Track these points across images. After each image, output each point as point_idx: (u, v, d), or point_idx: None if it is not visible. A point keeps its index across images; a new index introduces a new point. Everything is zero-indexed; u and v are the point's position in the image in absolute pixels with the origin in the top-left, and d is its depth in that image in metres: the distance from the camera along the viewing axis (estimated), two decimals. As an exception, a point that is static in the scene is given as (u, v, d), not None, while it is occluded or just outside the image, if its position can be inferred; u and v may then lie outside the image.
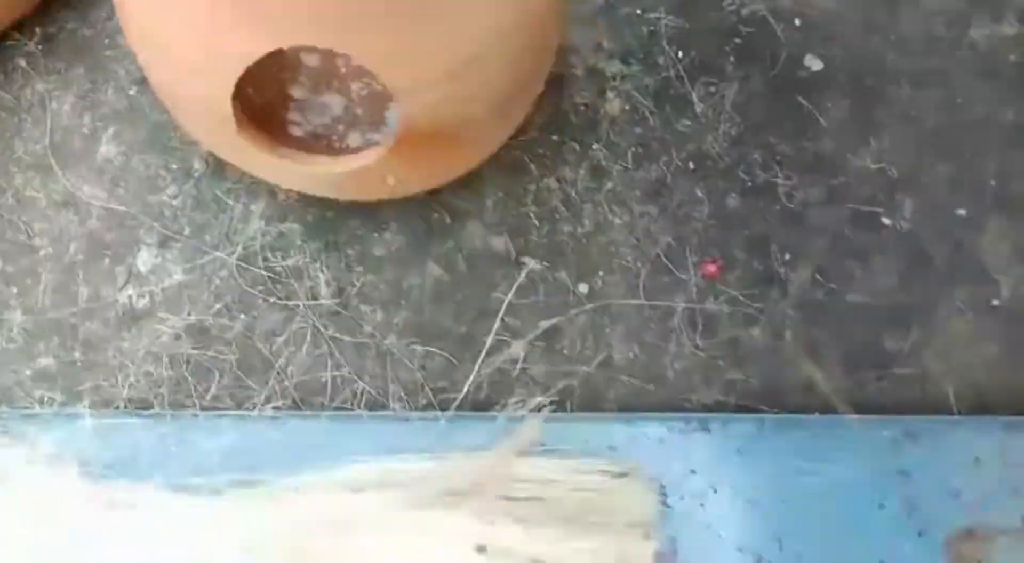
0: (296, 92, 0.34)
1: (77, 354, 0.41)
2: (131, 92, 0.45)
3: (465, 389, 0.40)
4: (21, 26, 0.45)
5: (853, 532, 0.40)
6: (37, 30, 0.46)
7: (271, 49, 0.29)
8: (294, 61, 0.33)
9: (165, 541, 0.35)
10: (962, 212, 0.46)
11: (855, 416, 0.41)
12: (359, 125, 0.35)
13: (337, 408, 0.40)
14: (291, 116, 0.35)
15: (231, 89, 0.31)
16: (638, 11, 0.49)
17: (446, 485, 0.35)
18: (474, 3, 0.30)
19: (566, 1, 0.43)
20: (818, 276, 0.45)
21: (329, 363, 0.42)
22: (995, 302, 0.45)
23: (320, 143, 0.36)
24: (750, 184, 0.46)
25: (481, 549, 0.33)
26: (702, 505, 0.39)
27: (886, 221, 0.46)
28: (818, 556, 0.39)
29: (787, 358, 0.43)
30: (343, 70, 0.33)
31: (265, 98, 0.34)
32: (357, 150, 0.35)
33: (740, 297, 0.44)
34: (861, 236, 0.46)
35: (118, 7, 0.34)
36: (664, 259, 0.45)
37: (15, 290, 0.42)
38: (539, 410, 0.39)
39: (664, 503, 0.39)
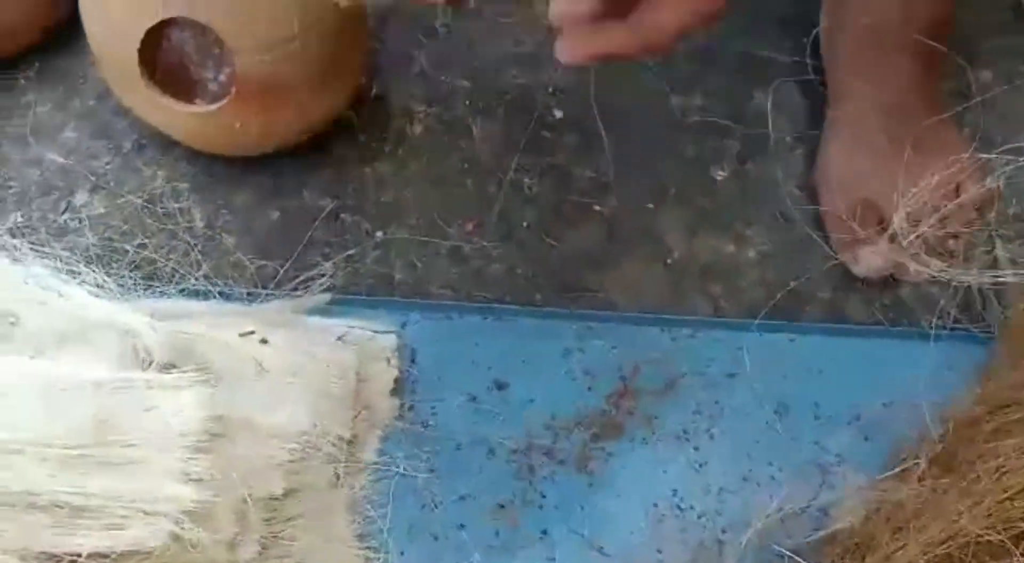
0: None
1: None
2: (90, 102, 0.68)
3: (277, 278, 0.60)
4: (24, 56, 0.69)
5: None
6: (36, 62, 0.70)
7: (164, 18, 0.52)
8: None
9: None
10: (650, 205, 0.68)
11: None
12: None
13: (188, 290, 0.59)
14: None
15: (137, 45, 0.54)
16: (443, 77, 0.73)
17: (255, 315, 0.54)
18: (277, 9, 0.54)
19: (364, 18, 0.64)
20: (544, 236, 0.66)
21: (193, 269, 0.61)
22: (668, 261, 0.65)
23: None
24: (505, 180, 0.68)
25: (264, 341, 0.52)
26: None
27: (596, 207, 0.68)
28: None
29: (518, 284, 0.63)
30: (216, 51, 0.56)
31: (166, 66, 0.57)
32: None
33: (487, 245, 0.64)
34: (576, 214, 0.67)
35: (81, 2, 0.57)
36: (438, 220, 0.65)
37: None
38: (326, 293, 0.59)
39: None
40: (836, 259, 0.65)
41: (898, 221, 0.63)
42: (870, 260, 0.63)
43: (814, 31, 0.76)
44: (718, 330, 0.60)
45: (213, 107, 0.57)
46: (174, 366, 0.45)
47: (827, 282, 0.64)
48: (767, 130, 0.72)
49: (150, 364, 0.44)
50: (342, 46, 0.59)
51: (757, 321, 0.61)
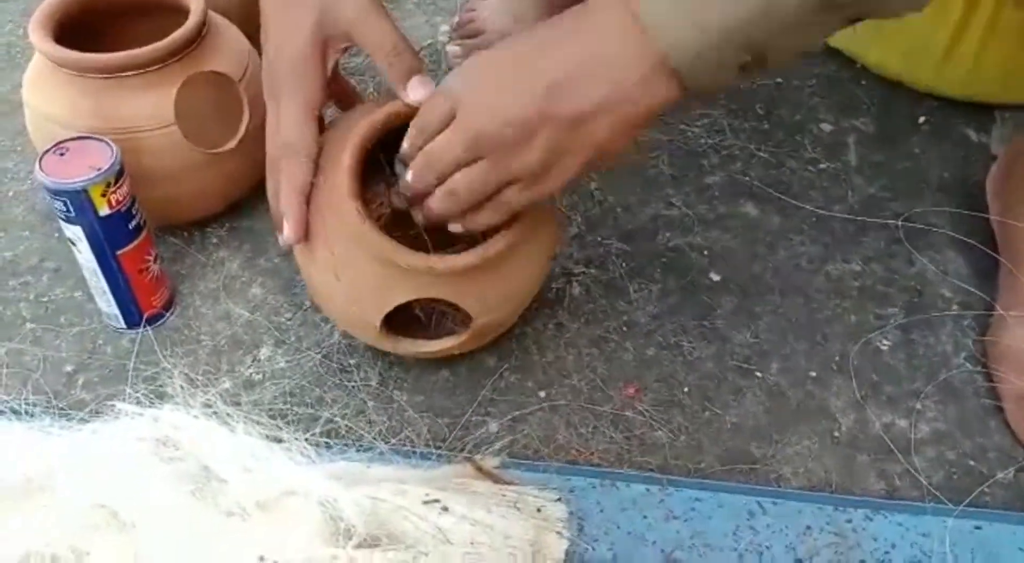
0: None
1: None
2: (275, 260, 0.74)
3: (449, 439, 0.61)
4: (216, 217, 0.75)
5: None
6: (226, 223, 0.76)
7: (414, 298, 0.58)
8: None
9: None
10: (812, 373, 0.67)
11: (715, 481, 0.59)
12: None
13: (365, 448, 0.61)
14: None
15: (383, 314, 0.58)
16: (599, 238, 0.76)
17: (432, 479, 0.55)
18: (511, 279, 0.59)
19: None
20: (706, 402, 0.65)
21: (365, 422, 0.63)
22: (836, 434, 0.64)
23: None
24: (663, 343, 0.69)
25: (445, 509, 0.52)
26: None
27: (758, 374, 0.67)
28: None
29: (678, 450, 0.63)
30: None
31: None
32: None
33: (649, 410, 0.65)
34: (738, 380, 0.67)
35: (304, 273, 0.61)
36: (599, 382, 0.66)
37: (190, 359, 0.67)
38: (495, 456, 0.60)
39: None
40: (1017, 439, 0.62)
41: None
42: (1055, 442, 0.61)
43: (976, 191, 0.76)
44: (897, 513, 0.58)
45: (450, 344, 0.62)
46: (374, 537, 0.46)
47: (1009, 463, 0.62)
48: (931, 298, 0.72)
49: (351, 536, 0.45)
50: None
51: (937, 505, 0.59)
